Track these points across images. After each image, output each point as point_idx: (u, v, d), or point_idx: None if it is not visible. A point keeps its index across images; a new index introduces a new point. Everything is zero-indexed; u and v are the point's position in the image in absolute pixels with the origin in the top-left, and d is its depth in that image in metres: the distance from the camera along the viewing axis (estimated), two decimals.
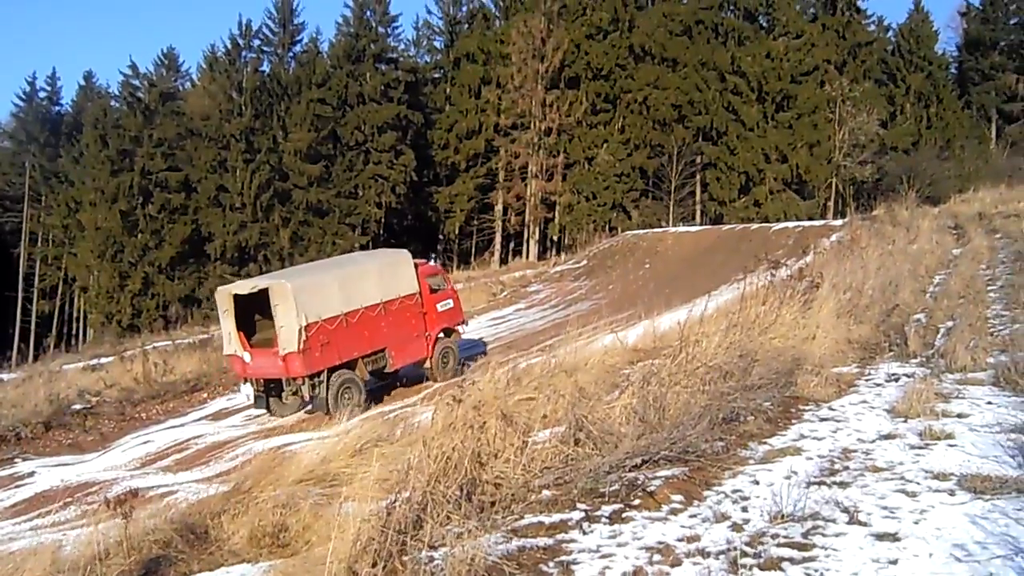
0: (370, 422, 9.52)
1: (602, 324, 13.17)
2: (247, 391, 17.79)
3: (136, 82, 54.94)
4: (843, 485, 5.56)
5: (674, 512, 5.23)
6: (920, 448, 6.34)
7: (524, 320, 28.04)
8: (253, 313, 17.84)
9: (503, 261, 53.11)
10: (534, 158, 52.21)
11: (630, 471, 5.85)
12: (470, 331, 22.74)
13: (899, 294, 14.33)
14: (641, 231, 45.68)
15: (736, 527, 4.94)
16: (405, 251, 21.21)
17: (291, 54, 56.28)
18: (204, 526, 6.84)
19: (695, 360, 8.22)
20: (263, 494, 7.00)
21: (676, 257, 36.80)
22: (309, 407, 17.68)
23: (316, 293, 17.18)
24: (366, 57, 54.06)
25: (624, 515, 5.18)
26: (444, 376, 18.94)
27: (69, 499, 12.93)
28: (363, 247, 51.84)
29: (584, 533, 4.93)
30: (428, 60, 62.76)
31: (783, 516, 4.95)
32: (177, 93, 56.94)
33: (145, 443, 17.62)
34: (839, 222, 37.70)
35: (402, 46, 59.51)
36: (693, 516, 5.16)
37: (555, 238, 54.07)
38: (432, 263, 21.97)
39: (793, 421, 7.50)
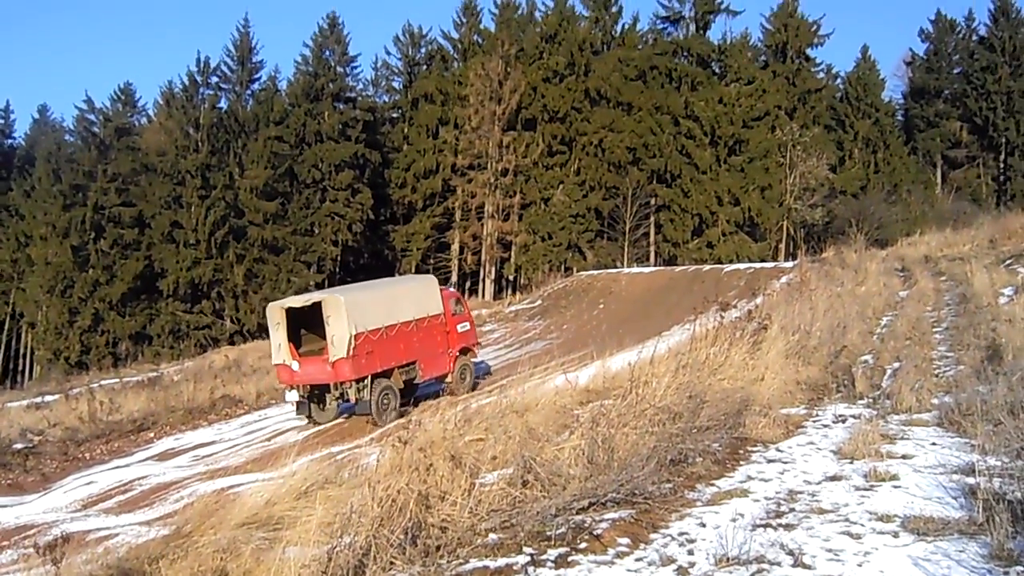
0: (317, 463, 9.36)
1: (555, 364, 13.17)
2: (292, 397, 19.47)
3: (91, 116, 54.46)
4: (789, 527, 5.56)
5: (620, 556, 5.19)
6: (865, 489, 6.38)
7: (478, 360, 27.91)
8: (299, 327, 19.84)
9: None
10: (490, 198, 52.39)
11: (577, 513, 5.80)
12: None
13: (847, 335, 14.52)
14: (596, 271, 45.93)
15: (682, 571, 4.92)
16: (433, 277, 24.76)
17: (249, 91, 56.10)
18: (141, 572, 6.65)
19: (645, 401, 8.22)
20: (204, 538, 6.82)
21: (630, 297, 36.98)
22: (343, 416, 19.81)
23: (363, 307, 19.25)
24: (324, 96, 54.12)
25: (570, 559, 5.13)
26: (462, 390, 20.80)
27: (6, 543, 12.52)
28: (318, 285, 51.58)
29: None
30: (386, 100, 62.96)
31: (729, 559, 4.94)
32: (133, 128, 56.42)
33: (88, 484, 17.15)
34: (789, 264, 38.23)
35: (360, 86, 59.69)
36: (639, 560, 5.13)
37: (511, 278, 54.14)
38: (452, 290, 24.55)
39: (741, 462, 7.51)
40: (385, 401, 19.04)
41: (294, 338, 19.55)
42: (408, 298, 21.09)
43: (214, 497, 9.61)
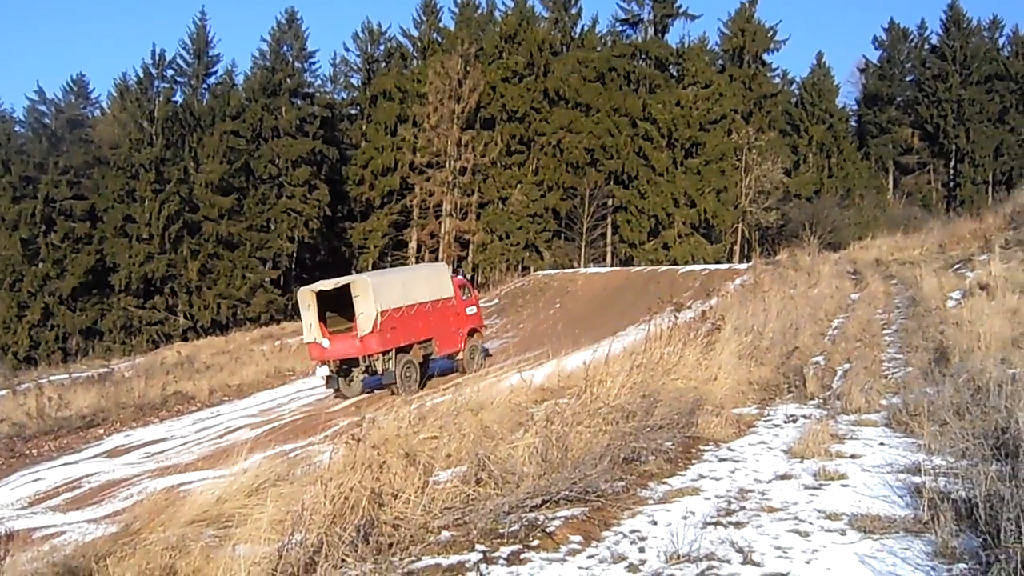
0: (270, 461, 9.27)
1: (510, 363, 13.16)
2: (323, 372, 21.49)
3: (43, 108, 53.62)
4: (739, 525, 5.61)
5: (572, 553, 5.21)
6: (814, 488, 6.44)
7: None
8: (326, 309, 21.58)
9: None
10: (448, 197, 52.33)
11: (530, 511, 5.81)
12: None
13: (799, 337, 14.68)
14: (552, 271, 46.03)
15: (633, 568, 4.95)
16: (444, 264, 28.39)
17: (205, 85, 55.44)
18: (88, 570, 6.52)
19: (599, 400, 8.25)
20: (153, 536, 6.73)
21: (586, 297, 37.09)
22: (369, 391, 21.79)
23: (387, 288, 21.63)
24: (282, 91, 53.66)
25: (522, 556, 5.13)
26: (471, 368, 22.47)
27: None
28: (274, 282, 51.21)
29: (481, 575, 4.87)
30: (345, 96, 62.61)
31: (679, 556, 4.97)
32: (85, 120, 55.63)
33: (35, 480, 16.84)
34: (744, 266, 38.61)
35: (319, 82, 59.34)
36: (591, 557, 5.14)
37: (468, 276, 54.02)
38: (460, 277, 26.69)
39: (693, 461, 7.56)
40: (407, 373, 21.15)
41: (322, 319, 21.44)
42: (424, 282, 23.42)
43: (164, 494, 9.48)
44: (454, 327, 23.43)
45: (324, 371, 21.50)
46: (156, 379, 27.70)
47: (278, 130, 52.74)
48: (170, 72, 53.44)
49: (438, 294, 23.17)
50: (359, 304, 20.64)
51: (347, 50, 63.58)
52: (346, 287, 21.17)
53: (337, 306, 21.73)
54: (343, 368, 21.43)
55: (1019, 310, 14.29)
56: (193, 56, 54.60)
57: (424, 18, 60.49)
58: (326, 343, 21.20)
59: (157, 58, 52.06)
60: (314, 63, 57.99)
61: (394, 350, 20.97)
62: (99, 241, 48.43)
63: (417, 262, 54.40)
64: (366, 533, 5.37)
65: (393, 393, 20.22)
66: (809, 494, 6.29)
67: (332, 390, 21.87)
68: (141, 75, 51.49)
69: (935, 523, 4.97)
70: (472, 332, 24.29)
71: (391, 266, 54.22)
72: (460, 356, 23.58)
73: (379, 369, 20.94)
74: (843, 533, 5.32)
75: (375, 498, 5.80)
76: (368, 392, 21.89)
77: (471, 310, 24.59)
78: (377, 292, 20.79)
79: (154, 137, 49.81)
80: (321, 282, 22.23)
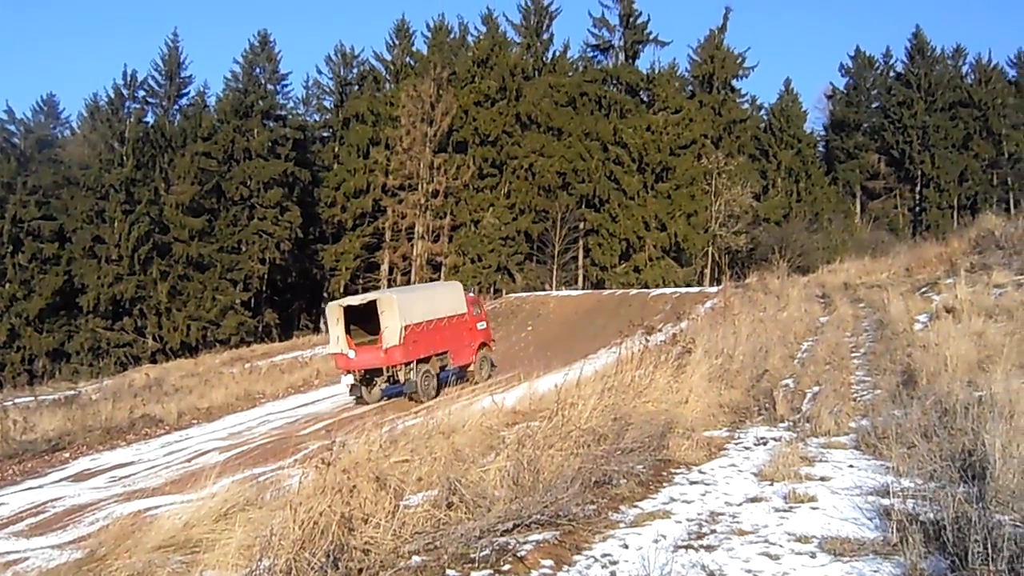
0: (239, 485, 9.16)
1: (482, 386, 13.13)
2: (348, 380, 23.07)
3: (11, 127, 53.06)
4: (710, 548, 5.62)
5: None
6: (784, 511, 6.46)
7: None
8: (351, 323, 23.29)
9: None
10: (421, 219, 52.31)
11: (502, 535, 5.78)
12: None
13: (769, 360, 14.76)
14: (524, 294, 46.11)
15: None
16: (458, 283, 30.54)
17: (176, 106, 55.35)
18: None
19: (570, 423, 8.24)
20: (118, 562, 6.62)
21: (558, 320, 37.15)
22: (387, 398, 23.54)
23: (410, 304, 23.32)
24: (254, 113, 53.59)
25: None
26: (482, 378, 24.25)
27: None
28: (244, 304, 50.86)
29: None
30: (317, 119, 62.62)
31: None
32: (55, 140, 55.19)
33: None
34: (714, 289, 38.85)
35: (291, 104, 59.46)
36: None
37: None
38: (472, 294, 28.74)
39: (664, 484, 7.57)
40: (427, 382, 22.91)
41: (348, 331, 23.14)
42: (441, 299, 25.30)
43: (130, 519, 9.34)
44: (467, 341, 25.30)
45: (349, 379, 23.09)
46: (124, 402, 27.33)
47: (250, 152, 52.58)
48: (141, 93, 53.36)
49: (454, 310, 25.02)
50: (385, 319, 22.38)
51: (320, 73, 63.66)
52: (372, 303, 22.96)
53: (361, 320, 23.56)
54: (367, 377, 23.20)
55: (984, 333, 14.45)
56: (165, 77, 54.44)
57: (397, 42, 60.72)
58: (352, 354, 22.91)
59: (128, 79, 51.92)
60: (287, 85, 58.04)
61: (415, 361, 22.71)
62: (67, 262, 47.98)
63: (389, 285, 54.34)
64: (335, 558, 5.31)
65: (412, 399, 22.27)
66: (779, 517, 6.30)
67: (355, 397, 23.49)
68: (112, 95, 51.30)
69: (904, 545, 5.00)
70: (482, 345, 26.17)
71: (363, 289, 54.18)
72: (471, 367, 25.34)
73: (401, 379, 22.75)
74: (813, 556, 5.34)
75: (345, 523, 5.74)
76: (385, 399, 23.60)
77: (481, 325, 26.41)
78: (402, 308, 22.55)
79: (124, 158, 49.52)
80: (349, 298, 24.51)
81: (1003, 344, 12.25)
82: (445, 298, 25.55)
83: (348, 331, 23.10)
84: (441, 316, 24.34)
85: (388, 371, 22.86)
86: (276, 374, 31.43)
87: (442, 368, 24.16)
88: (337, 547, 5.42)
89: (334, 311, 23.30)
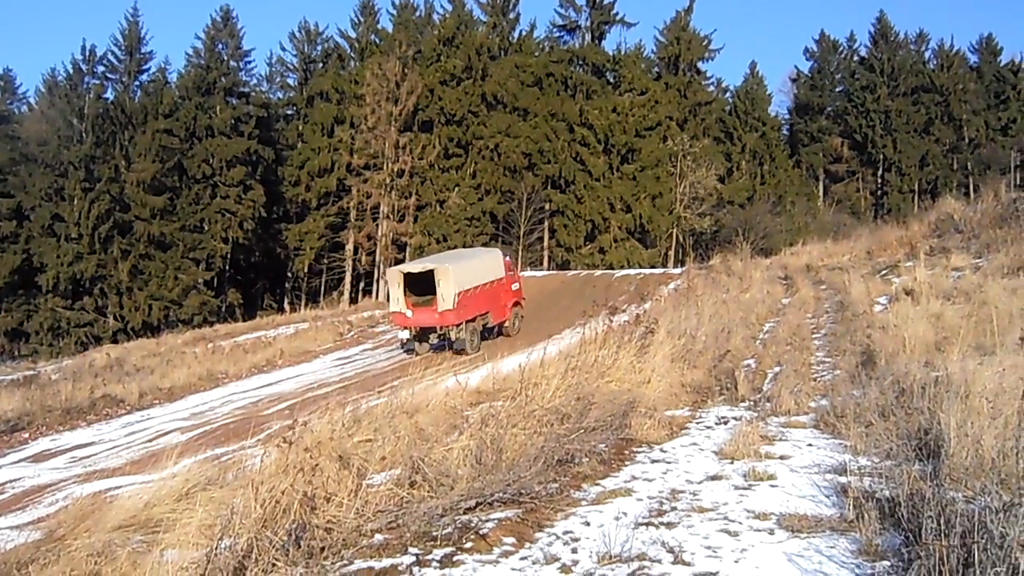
0: (200, 465, 9.11)
1: (446, 366, 13.14)
2: (405, 335, 27.12)
3: None
4: (670, 526, 5.67)
5: (505, 555, 5.21)
6: (744, 489, 6.53)
7: (371, 360, 27.67)
8: (407, 286, 26.52)
9: (352, 301, 52.43)
10: (386, 199, 52.01)
11: (464, 513, 5.80)
12: (320, 368, 26.96)
13: (731, 340, 14.90)
14: None
15: (565, 569, 4.97)
16: (498, 250, 33.52)
17: (137, 83, 54.44)
18: None
19: (534, 402, 8.28)
20: (78, 542, 6.57)
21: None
22: (433, 351, 26.62)
23: (463, 273, 26.44)
24: (216, 90, 52.91)
25: (455, 559, 5.12)
26: (515, 332, 28.66)
27: None
28: (207, 283, 50.40)
29: None
30: (281, 96, 62.06)
31: (611, 557, 5.01)
32: (12, 116, 54.17)
33: None
34: (678, 270, 39.08)
35: (254, 81, 58.74)
36: (524, 559, 5.15)
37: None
38: (508, 258, 31.60)
39: (626, 463, 7.62)
40: (473, 338, 26.40)
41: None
42: (485, 266, 28.51)
43: (90, 500, 9.28)
44: (504, 301, 28.82)
45: (406, 335, 27.03)
46: (84, 382, 27.05)
47: (212, 129, 51.95)
48: (101, 69, 52.45)
49: (494, 275, 28.40)
50: (441, 286, 25.54)
51: (283, 50, 63.11)
52: (430, 271, 26.09)
53: (414, 284, 26.63)
54: (422, 333, 26.58)
55: (942, 315, 14.68)
56: (125, 52, 53.53)
57: (362, 19, 60.14)
58: (409, 313, 26.34)
59: (87, 54, 51.06)
60: (250, 62, 57.34)
61: (464, 322, 26.07)
62: (26, 240, 47.14)
63: (354, 265, 54.10)
64: (297, 537, 5.29)
65: (458, 354, 25.53)
66: (739, 494, 6.37)
67: (408, 349, 27.34)
68: (71, 71, 50.39)
69: (860, 522, 5.08)
70: (515, 304, 29.70)
71: (328, 268, 53.97)
72: (507, 324, 28.95)
73: (453, 337, 26.06)
74: (771, 532, 5.41)
75: (307, 502, 5.72)
76: (432, 352, 26.63)
77: (515, 286, 29.86)
78: (456, 277, 25.77)
79: (84, 134, 48.78)
80: (409, 265, 28.79)
81: (960, 326, 12.46)
82: (488, 265, 28.78)
83: (406, 293, 26.45)
84: (485, 282, 27.57)
85: (440, 330, 26.18)
86: (239, 354, 31.18)
87: (484, 326, 27.71)
88: (299, 526, 5.41)
89: (395, 276, 26.95)
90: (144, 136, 49.82)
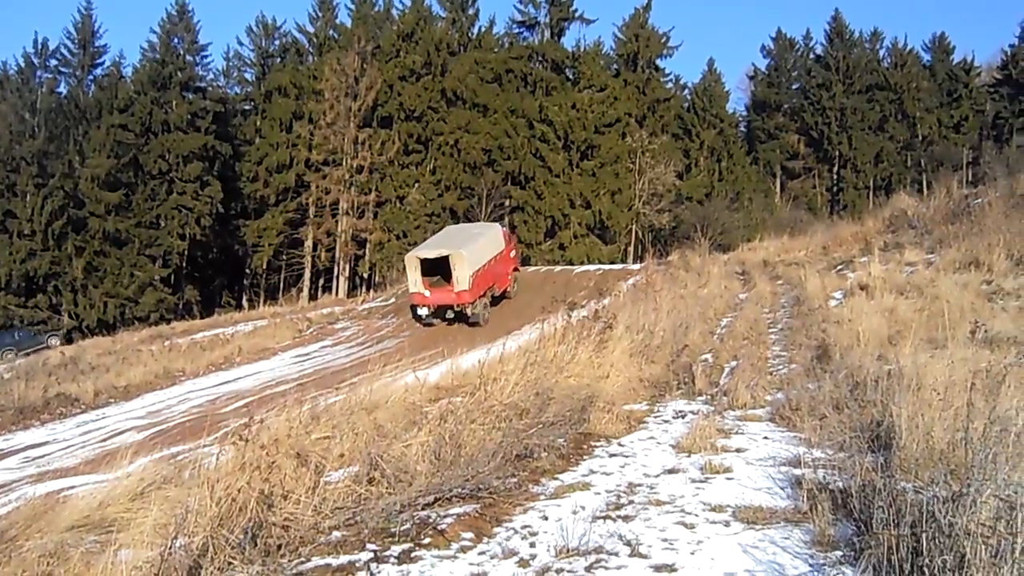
0: (156, 464, 9.02)
1: (406, 362, 13.10)
2: (422, 312, 30.47)
3: None
4: (627, 519, 5.71)
5: (464, 550, 5.22)
6: (701, 482, 6.61)
7: (330, 357, 27.55)
8: (423, 267, 29.79)
9: (312, 297, 52.08)
10: (345, 195, 51.69)
11: (422, 509, 5.80)
12: (279, 366, 26.92)
13: (689, 335, 15.04)
14: None
15: (523, 563, 4.99)
16: (498, 224, 37.73)
17: (91, 77, 53.70)
18: None
19: (493, 398, 8.30)
20: (30, 543, 6.47)
21: None
22: (446, 323, 30.61)
23: (475, 256, 29.76)
24: (172, 84, 52.16)
25: (414, 555, 5.12)
26: (514, 295, 33.13)
27: None
28: (164, 280, 49.80)
29: (372, 575, 4.85)
30: (238, 91, 61.39)
31: (569, 550, 5.04)
32: None
33: None
34: (637, 266, 39.29)
35: (211, 75, 58.13)
36: (482, 553, 5.17)
37: (365, 275, 53.55)
38: (505, 228, 37.24)
39: (584, 457, 7.67)
40: (485, 312, 30.32)
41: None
42: (491, 243, 31.79)
43: (43, 500, 9.15)
44: (506, 271, 32.59)
45: (424, 311, 30.35)
46: (38, 380, 26.68)
47: (168, 124, 51.22)
48: (53, 62, 51.69)
49: (498, 249, 31.87)
50: (457, 270, 28.93)
51: (241, 44, 62.57)
52: (445, 257, 29.29)
53: (432, 266, 29.83)
54: (439, 310, 30.28)
55: (896, 309, 14.93)
56: (78, 46, 52.75)
57: (320, 14, 59.74)
58: (427, 293, 29.85)
59: (39, 47, 50.26)
60: (206, 56, 56.87)
61: (477, 298, 29.41)
62: None
63: (313, 261, 53.70)
64: (254, 535, 5.26)
65: (473, 326, 29.29)
66: (696, 487, 6.45)
67: (424, 324, 30.67)
68: (22, 64, 49.63)
69: (814, 513, 5.17)
70: (515, 269, 34.09)
71: (287, 265, 53.52)
72: (509, 289, 32.72)
73: (468, 312, 29.62)
74: (727, 524, 5.48)
75: (264, 499, 5.68)
76: (445, 323, 30.52)
77: (513, 253, 33.80)
78: (469, 259, 29.02)
79: (36, 129, 47.93)
80: (425, 251, 30.88)
81: (912, 320, 12.69)
82: (493, 241, 31.97)
83: (423, 275, 29.65)
84: (491, 257, 30.88)
85: (457, 307, 29.70)
86: (197, 351, 30.89)
87: (492, 296, 31.11)
88: (256, 524, 5.37)
89: (412, 261, 30.05)
90: (99, 131, 49.05)
